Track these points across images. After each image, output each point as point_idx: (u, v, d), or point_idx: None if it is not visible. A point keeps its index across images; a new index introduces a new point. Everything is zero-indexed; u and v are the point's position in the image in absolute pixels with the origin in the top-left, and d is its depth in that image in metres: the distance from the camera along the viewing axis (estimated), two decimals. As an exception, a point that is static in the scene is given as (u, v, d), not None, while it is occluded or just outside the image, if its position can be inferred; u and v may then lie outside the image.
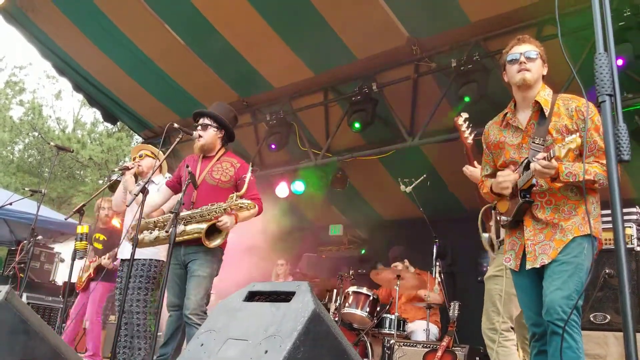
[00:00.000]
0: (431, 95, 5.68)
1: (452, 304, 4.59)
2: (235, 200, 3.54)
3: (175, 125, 3.60)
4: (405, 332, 5.29)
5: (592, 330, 3.76)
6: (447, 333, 4.41)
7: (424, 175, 5.42)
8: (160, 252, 4.15)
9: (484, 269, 5.06)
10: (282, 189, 7.16)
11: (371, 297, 5.38)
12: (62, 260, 8.52)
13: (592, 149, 2.43)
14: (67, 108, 45.39)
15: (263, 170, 7.06)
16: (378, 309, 5.45)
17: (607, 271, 3.79)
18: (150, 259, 4.13)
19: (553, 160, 2.30)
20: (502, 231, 3.05)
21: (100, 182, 18.17)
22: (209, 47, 6.11)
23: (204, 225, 3.52)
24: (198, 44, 6.17)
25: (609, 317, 3.77)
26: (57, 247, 9.24)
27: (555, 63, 2.73)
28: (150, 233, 3.71)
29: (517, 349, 3.34)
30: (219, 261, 3.75)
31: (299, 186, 7.12)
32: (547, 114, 2.53)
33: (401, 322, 5.23)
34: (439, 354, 4.30)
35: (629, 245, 3.83)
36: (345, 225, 8.36)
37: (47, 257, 8.41)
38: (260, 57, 6.13)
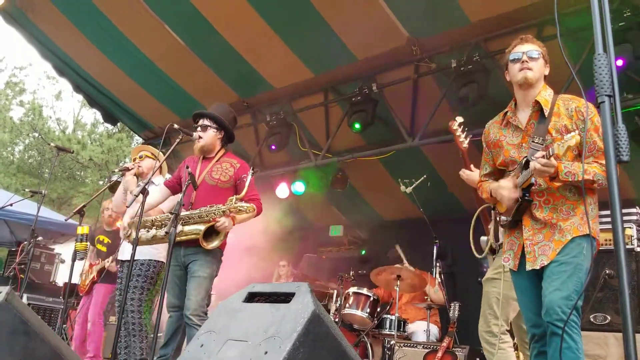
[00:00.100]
0: (431, 96, 5.67)
1: (453, 304, 4.59)
2: (235, 203, 3.53)
3: (175, 126, 3.60)
4: (406, 333, 5.29)
5: (592, 330, 3.75)
6: (447, 334, 4.41)
7: (424, 176, 5.42)
8: (159, 253, 4.15)
9: (484, 269, 5.06)
10: (282, 190, 7.16)
11: (371, 298, 5.39)
12: (62, 261, 8.52)
13: (592, 150, 2.43)
14: (67, 109, 45.50)
15: (263, 171, 7.04)
16: (378, 309, 5.45)
17: (607, 272, 3.79)
18: (150, 260, 4.13)
19: (552, 159, 2.29)
20: (502, 235, 3.05)
21: (101, 183, 18.18)
22: (209, 47, 6.11)
23: (202, 227, 3.51)
24: (198, 45, 6.17)
25: (609, 317, 3.77)
26: (58, 248, 9.23)
27: (555, 63, 2.73)
28: (147, 232, 3.69)
29: (517, 352, 3.34)
30: (219, 262, 3.75)
31: (299, 187, 7.12)
32: (546, 114, 2.53)
33: (401, 323, 5.23)
34: (439, 354, 4.30)
35: (629, 246, 3.83)
36: (346, 225, 8.35)
37: (48, 258, 8.40)
38: (261, 58, 6.13)
